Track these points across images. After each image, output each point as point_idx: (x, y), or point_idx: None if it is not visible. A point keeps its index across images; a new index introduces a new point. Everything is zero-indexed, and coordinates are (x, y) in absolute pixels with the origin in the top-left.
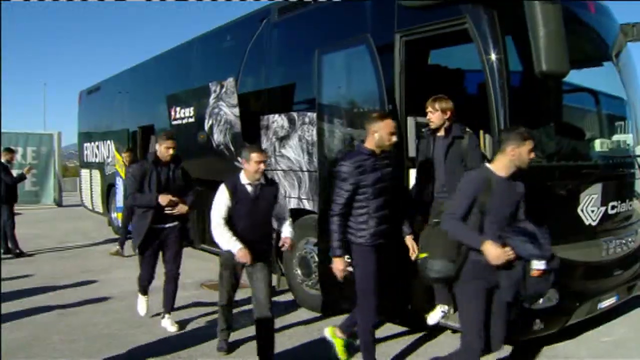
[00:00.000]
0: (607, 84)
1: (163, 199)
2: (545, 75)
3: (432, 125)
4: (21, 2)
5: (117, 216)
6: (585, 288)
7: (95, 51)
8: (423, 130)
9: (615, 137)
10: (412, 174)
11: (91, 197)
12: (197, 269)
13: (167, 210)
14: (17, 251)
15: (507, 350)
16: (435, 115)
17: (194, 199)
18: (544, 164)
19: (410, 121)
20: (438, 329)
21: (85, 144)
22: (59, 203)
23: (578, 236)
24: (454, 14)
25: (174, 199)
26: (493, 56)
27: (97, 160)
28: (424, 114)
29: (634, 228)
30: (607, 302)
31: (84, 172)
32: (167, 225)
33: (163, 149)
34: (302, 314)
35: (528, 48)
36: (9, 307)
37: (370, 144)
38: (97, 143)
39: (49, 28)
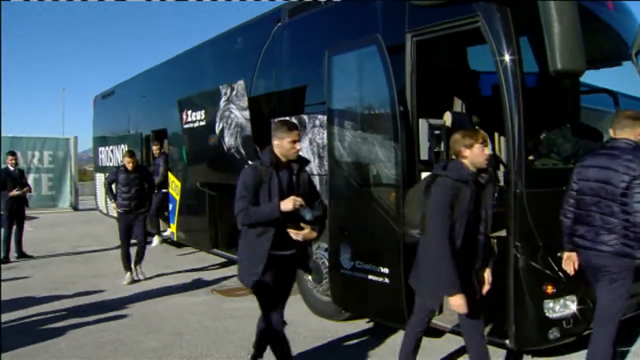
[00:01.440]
0: (626, 84)
1: (286, 204)
2: (560, 74)
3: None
4: (30, 3)
5: None
6: None
7: (115, 56)
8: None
9: None
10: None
11: (105, 201)
12: (212, 274)
13: (293, 234)
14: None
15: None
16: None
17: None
18: (560, 167)
19: (422, 123)
20: None
21: (100, 148)
22: (75, 207)
23: None
24: (466, 13)
25: (300, 201)
26: (507, 56)
27: (111, 165)
28: (436, 116)
29: None
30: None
31: (99, 176)
32: (288, 253)
33: (287, 144)
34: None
35: (543, 47)
36: (19, 312)
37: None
38: (111, 147)
39: (68, 34)
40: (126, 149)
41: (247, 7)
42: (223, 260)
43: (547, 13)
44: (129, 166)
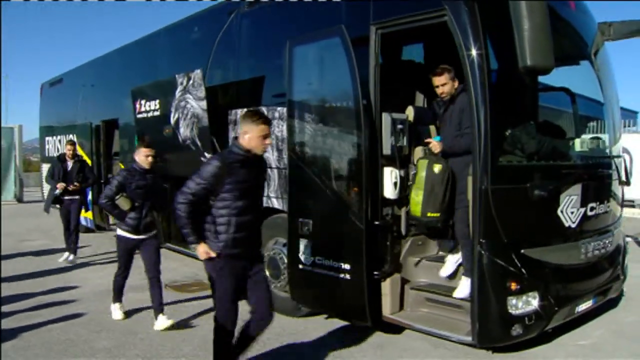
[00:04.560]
0: (585, 83)
1: None
2: (530, 70)
3: None
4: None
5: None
6: (564, 292)
7: (60, 43)
8: None
9: (593, 137)
10: (386, 172)
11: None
12: (166, 269)
13: None
14: None
15: (484, 355)
16: None
17: None
18: (525, 164)
19: (385, 117)
20: None
21: (47, 138)
22: (19, 199)
23: (558, 238)
24: (433, 6)
25: None
26: (473, 51)
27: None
28: (399, 110)
29: (610, 230)
30: (585, 306)
31: (45, 167)
32: None
33: None
34: None
35: (511, 43)
36: None
37: None
38: (59, 137)
39: (10, 19)
40: (75, 139)
41: None
42: (175, 254)
43: (517, 10)
44: (144, 163)
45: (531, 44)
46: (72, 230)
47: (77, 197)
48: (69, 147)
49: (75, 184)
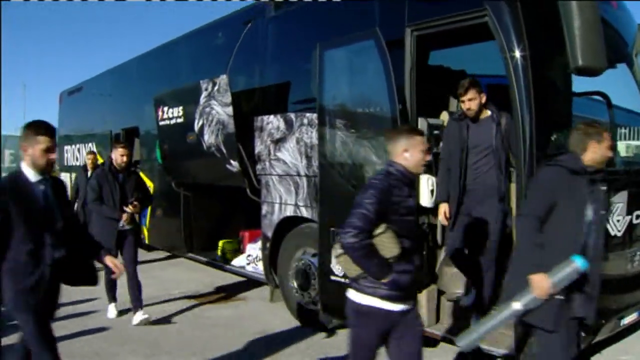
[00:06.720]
0: (626, 84)
1: None
2: (581, 71)
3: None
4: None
5: None
6: (611, 304)
7: (78, 52)
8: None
9: (636, 142)
10: (422, 179)
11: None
12: (186, 280)
13: None
14: None
15: None
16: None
17: None
18: None
19: (422, 122)
20: None
21: (65, 147)
22: None
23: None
24: (473, 6)
25: None
26: (517, 52)
27: (78, 164)
28: (436, 115)
29: None
30: (630, 319)
31: (64, 176)
32: None
33: None
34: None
35: (555, 43)
36: None
37: None
38: (78, 146)
39: (29, 27)
40: (95, 148)
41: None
42: (197, 264)
43: (567, 8)
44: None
45: (582, 44)
46: (132, 276)
47: (131, 226)
48: (121, 151)
49: (135, 203)
